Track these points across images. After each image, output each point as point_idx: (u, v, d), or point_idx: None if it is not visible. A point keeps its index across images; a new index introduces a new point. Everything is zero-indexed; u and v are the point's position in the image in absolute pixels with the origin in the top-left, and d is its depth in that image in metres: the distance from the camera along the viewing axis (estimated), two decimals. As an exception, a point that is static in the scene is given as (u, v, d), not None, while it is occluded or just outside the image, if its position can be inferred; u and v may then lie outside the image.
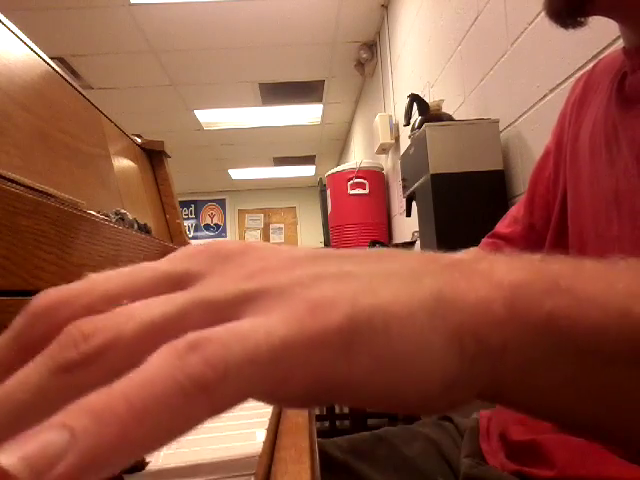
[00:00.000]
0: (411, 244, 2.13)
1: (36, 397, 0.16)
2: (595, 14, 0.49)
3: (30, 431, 0.14)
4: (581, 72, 0.67)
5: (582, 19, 0.49)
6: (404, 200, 2.09)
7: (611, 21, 0.52)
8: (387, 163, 3.72)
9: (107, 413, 0.15)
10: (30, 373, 0.17)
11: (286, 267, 0.20)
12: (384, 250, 0.22)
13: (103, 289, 0.20)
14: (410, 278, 0.20)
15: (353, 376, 0.18)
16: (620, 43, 0.56)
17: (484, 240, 0.75)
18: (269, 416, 0.37)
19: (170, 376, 0.15)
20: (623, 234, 0.51)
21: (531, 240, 0.68)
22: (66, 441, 0.14)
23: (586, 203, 0.57)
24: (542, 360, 0.20)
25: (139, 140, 1.36)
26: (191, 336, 0.17)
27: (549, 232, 0.65)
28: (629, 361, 0.20)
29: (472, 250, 0.21)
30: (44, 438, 0.14)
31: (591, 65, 0.65)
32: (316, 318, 0.18)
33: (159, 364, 0.16)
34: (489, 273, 0.20)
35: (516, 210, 0.73)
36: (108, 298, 0.19)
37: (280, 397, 0.18)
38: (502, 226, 0.75)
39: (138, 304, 0.19)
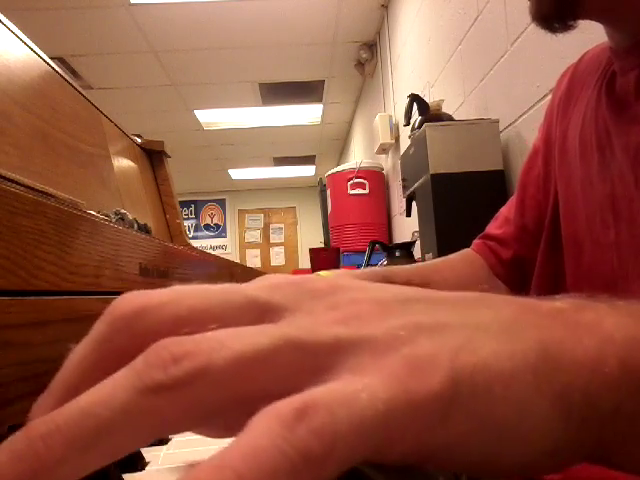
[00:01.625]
0: (411, 244, 2.13)
1: (119, 416, 0.15)
2: (584, 18, 0.48)
3: None
4: (561, 74, 0.66)
5: (572, 23, 0.48)
6: (404, 200, 2.09)
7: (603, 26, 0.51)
8: (387, 163, 3.72)
9: None
10: (115, 389, 0.16)
11: (379, 314, 0.19)
12: (476, 295, 0.21)
13: (189, 303, 0.19)
14: (509, 331, 0.18)
15: (451, 440, 0.17)
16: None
17: (475, 242, 0.75)
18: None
19: (278, 448, 0.14)
20: (621, 240, 0.50)
21: (524, 242, 0.68)
22: None
23: (579, 206, 0.57)
24: None
25: (139, 140, 1.36)
26: (296, 401, 0.15)
27: (544, 233, 0.64)
28: None
29: (569, 297, 0.20)
30: None
31: (575, 61, 0.64)
32: (417, 379, 0.16)
33: (266, 433, 0.15)
34: (597, 326, 0.19)
35: (507, 210, 0.73)
36: (195, 314, 0.18)
37: (381, 458, 0.17)
38: (493, 227, 0.74)
39: (229, 332, 0.18)
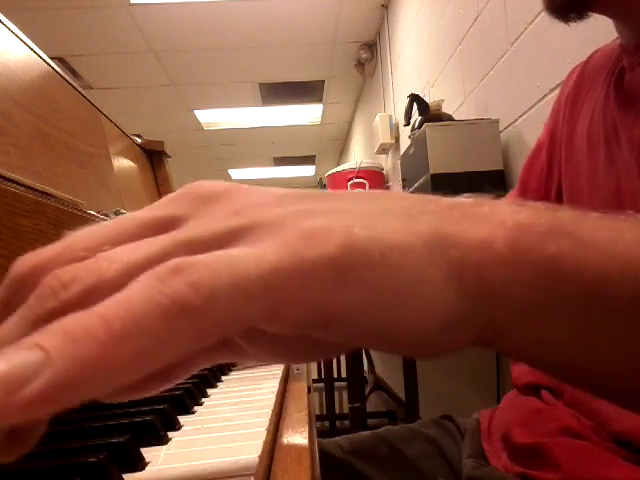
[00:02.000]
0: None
1: (12, 354, 0.14)
2: (595, 11, 0.49)
3: (0, 352, 0.14)
4: (569, 72, 0.67)
5: (587, 13, 0.49)
6: (404, 200, 2.09)
7: (611, 20, 0.51)
8: (387, 163, 3.72)
9: (84, 334, 0.14)
10: (9, 327, 0.16)
11: (275, 204, 0.19)
12: (378, 190, 0.21)
13: (83, 245, 0.19)
14: (407, 215, 0.19)
15: (348, 307, 0.17)
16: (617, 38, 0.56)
17: None
18: (269, 416, 0.37)
19: (150, 298, 0.15)
20: None
21: None
22: (40, 360, 0.13)
23: (584, 202, 0.57)
24: (544, 304, 0.19)
25: (139, 140, 1.36)
26: (174, 261, 0.16)
27: None
28: (632, 311, 0.19)
29: (473, 194, 0.21)
30: (17, 357, 0.14)
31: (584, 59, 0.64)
32: (310, 247, 0.17)
33: (139, 287, 0.15)
34: (491, 214, 0.20)
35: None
36: (90, 252, 0.18)
37: (273, 327, 0.18)
38: None
39: (119, 249, 0.18)
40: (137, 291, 0.15)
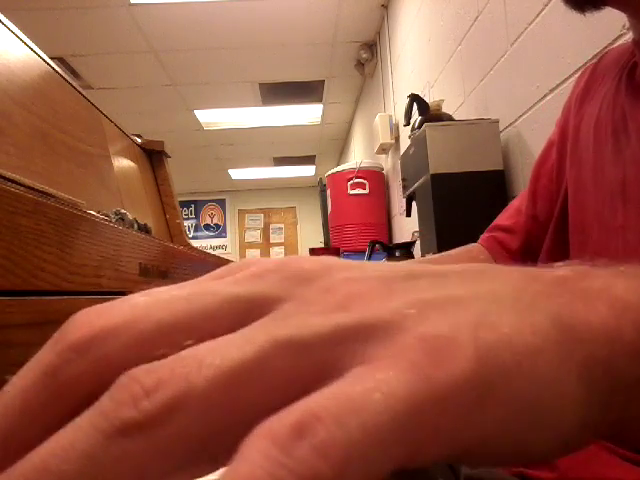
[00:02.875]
0: (411, 244, 2.14)
1: (86, 468, 0.13)
2: (610, 5, 0.49)
3: None
4: (581, 71, 0.67)
5: (602, 4, 0.49)
6: (404, 200, 2.09)
7: (611, 20, 0.52)
8: (387, 163, 3.72)
9: None
10: (77, 436, 0.13)
11: (382, 293, 0.16)
12: (479, 266, 0.19)
13: (156, 318, 0.16)
14: (522, 302, 0.17)
15: (486, 430, 0.15)
16: (621, 41, 0.56)
17: (483, 236, 0.74)
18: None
19: (273, 475, 0.12)
20: (628, 224, 0.50)
21: (533, 231, 0.68)
22: None
23: (589, 192, 0.57)
24: None
25: (139, 140, 1.36)
26: (293, 414, 0.13)
27: (551, 222, 0.64)
28: None
29: (568, 264, 0.18)
30: None
31: (596, 59, 0.65)
32: (439, 365, 0.14)
33: (258, 461, 0.12)
34: (607, 292, 0.17)
35: (518, 202, 0.73)
36: (164, 331, 0.15)
37: (412, 463, 0.14)
38: (503, 219, 0.74)
39: (208, 346, 0.15)
40: (256, 466, 0.12)
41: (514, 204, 0.74)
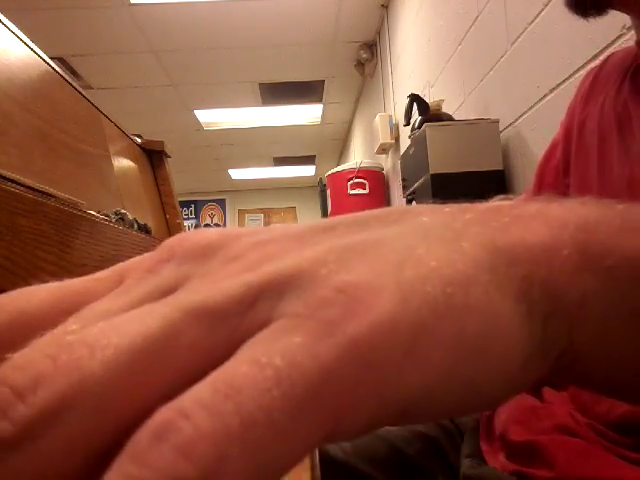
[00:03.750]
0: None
1: None
2: (615, 9, 0.49)
3: None
4: (581, 72, 0.67)
5: (605, 10, 0.49)
6: (404, 200, 2.09)
7: (611, 20, 0.52)
8: (387, 163, 3.72)
9: None
10: None
11: (293, 247, 0.15)
12: (403, 207, 0.17)
13: (39, 297, 0.14)
14: (451, 231, 0.15)
15: (426, 381, 0.13)
16: (621, 41, 0.56)
17: None
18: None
19: None
20: None
21: None
22: None
23: (594, 193, 0.57)
24: (630, 316, 0.16)
25: (139, 140, 1.36)
26: (159, 416, 0.10)
27: None
28: None
29: (500, 198, 0.17)
30: None
31: (600, 62, 0.65)
32: (355, 316, 0.12)
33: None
34: (544, 213, 0.16)
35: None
36: (46, 310, 0.14)
37: (336, 439, 0.13)
38: None
39: (99, 325, 0.12)
40: None
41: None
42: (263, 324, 0.13)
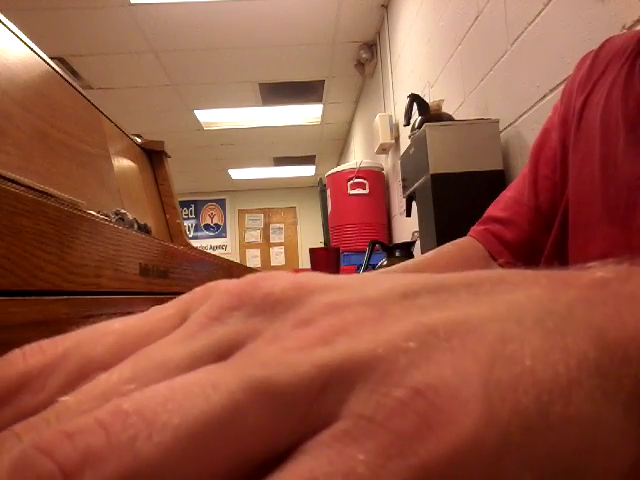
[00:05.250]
0: (411, 244, 2.13)
1: None
2: None
3: None
4: (581, 58, 0.65)
5: None
6: (404, 200, 2.09)
7: (611, 20, 0.51)
8: (387, 163, 3.72)
9: None
10: None
11: (373, 318, 0.13)
12: (491, 273, 0.15)
13: (79, 361, 0.13)
14: (552, 317, 0.13)
15: None
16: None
17: (473, 228, 0.69)
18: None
19: None
20: None
21: (536, 225, 0.64)
22: None
23: (595, 187, 0.54)
24: None
25: (139, 140, 1.36)
26: None
27: (557, 217, 0.61)
28: None
29: (604, 264, 0.15)
30: None
31: (597, 47, 0.63)
32: (432, 434, 0.11)
33: None
34: None
35: (513, 192, 0.68)
36: (97, 365, 0.13)
37: None
38: (496, 209, 0.68)
39: (163, 389, 0.11)
40: None
41: (507, 194, 0.69)
42: (329, 418, 0.11)
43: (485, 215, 0.69)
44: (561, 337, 0.13)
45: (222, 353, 0.13)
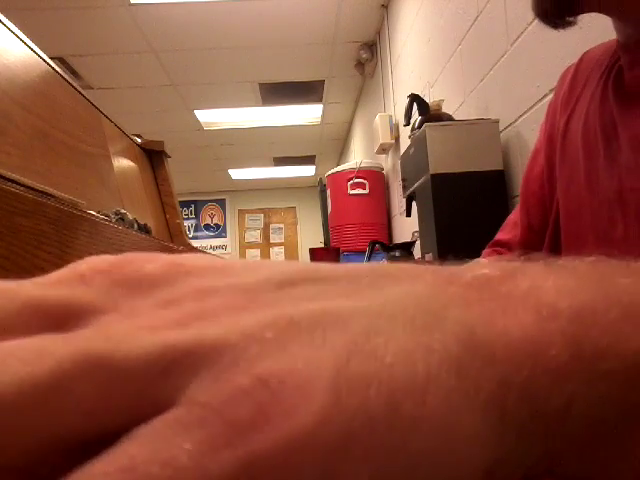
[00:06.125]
0: (411, 244, 2.14)
1: None
2: (587, 11, 0.49)
3: None
4: (561, 74, 0.67)
5: (571, 19, 0.48)
6: (404, 200, 2.09)
7: (611, 20, 0.51)
8: (387, 163, 3.72)
9: None
10: None
11: (239, 306, 0.13)
12: (382, 267, 0.15)
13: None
14: (422, 316, 0.13)
15: None
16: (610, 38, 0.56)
17: (485, 251, 0.73)
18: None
19: None
20: (629, 235, 0.50)
21: (530, 242, 0.67)
22: None
23: (583, 203, 0.56)
24: (618, 419, 0.14)
25: (139, 140, 1.36)
26: None
27: (547, 230, 0.64)
28: None
29: (494, 259, 0.17)
30: None
31: (576, 60, 0.64)
32: (272, 427, 0.10)
33: None
34: (534, 295, 0.14)
35: (514, 215, 0.72)
36: None
37: None
38: (503, 233, 0.73)
39: None
40: None
41: (511, 218, 0.73)
42: (167, 403, 0.11)
43: (494, 239, 0.74)
44: (428, 335, 0.12)
45: (74, 313, 0.12)
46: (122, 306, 0.13)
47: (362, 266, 0.15)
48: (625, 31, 0.51)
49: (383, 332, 0.12)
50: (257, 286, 0.13)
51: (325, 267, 0.15)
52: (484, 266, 0.15)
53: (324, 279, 0.14)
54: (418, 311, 0.13)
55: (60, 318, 0.12)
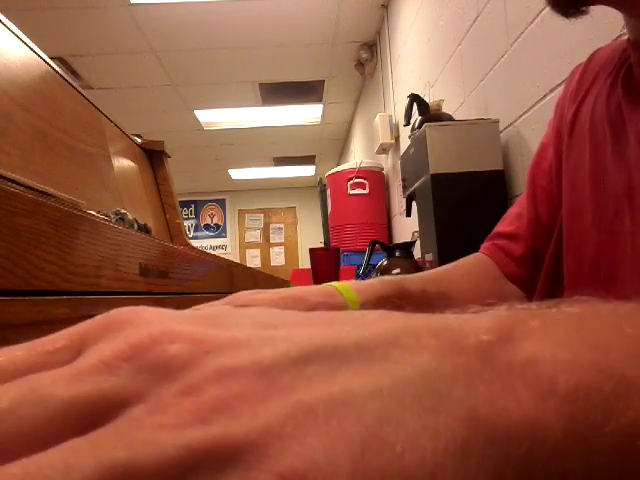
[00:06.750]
0: (411, 244, 2.13)
1: None
2: (598, 3, 0.48)
3: None
4: (571, 72, 0.67)
5: (584, 8, 0.48)
6: (404, 200, 2.09)
7: (611, 19, 0.51)
8: (387, 163, 3.72)
9: None
10: None
11: (256, 392, 0.13)
12: (386, 332, 0.16)
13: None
14: (429, 398, 0.14)
15: None
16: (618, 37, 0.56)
17: (483, 245, 0.72)
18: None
19: None
20: (637, 229, 0.49)
21: (539, 235, 0.66)
22: None
23: (586, 195, 0.56)
24: None
25: (139, 140, 1.36)
26: None
27: (556, 227, 0.63)
28: None
29: (496, 311, 0.17)
30: None
31: (585, 59, 0.65)
32: None
33: None
34: (532, 368, 0.15)
35: (517, 208, 0.71)
36: None
37: None
38: (503, 225, 0.72)
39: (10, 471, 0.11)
40: None
41: (513, 210, 0.72)
42: None
43: (493, 232, 0.72)
44: (434, 418, 0.13)
45: (101, 409, 0.13)
46: (148, 396, 0.13)
47: (373, 330, 0.16)
48: (636, 27, 0.51)
49: (393, 417, 0.13)
50: (274, 364, 0.14)
51: (338, 334, 0.15)
52: (484, 319, 0.16)
53: (337, 354, 0.15)
54: (424, 391, 0.14)
55: (90, 416, 0.13)
